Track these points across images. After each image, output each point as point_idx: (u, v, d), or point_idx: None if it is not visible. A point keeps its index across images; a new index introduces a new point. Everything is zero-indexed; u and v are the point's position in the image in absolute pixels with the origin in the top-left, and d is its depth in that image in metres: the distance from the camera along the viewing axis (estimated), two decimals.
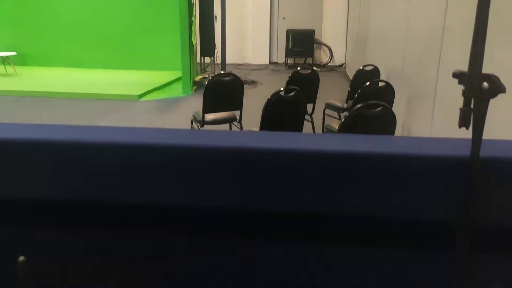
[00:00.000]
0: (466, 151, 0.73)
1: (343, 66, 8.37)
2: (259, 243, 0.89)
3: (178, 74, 6.65)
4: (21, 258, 0.68)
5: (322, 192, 0.83)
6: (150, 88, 6.22)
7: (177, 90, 6.35)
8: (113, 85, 6.43)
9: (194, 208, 0.83)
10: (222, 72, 3.85)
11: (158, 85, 6.47)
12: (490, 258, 0.90)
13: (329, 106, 3.84)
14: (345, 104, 3.70)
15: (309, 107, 3.50)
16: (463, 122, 0.69)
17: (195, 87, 6.47)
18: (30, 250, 0.78)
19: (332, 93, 5.22)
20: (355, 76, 3.77)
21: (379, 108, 2.25)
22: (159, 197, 0.85)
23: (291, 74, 3.69)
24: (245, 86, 3.77)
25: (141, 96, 5.92)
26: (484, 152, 0.72)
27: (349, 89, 3.70)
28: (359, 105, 2.26)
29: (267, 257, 0.89)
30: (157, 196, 0.85)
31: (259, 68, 8.56)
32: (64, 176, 0.81)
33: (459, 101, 0.74)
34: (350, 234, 0.90)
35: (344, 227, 0.88)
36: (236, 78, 3.47)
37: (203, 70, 7.39)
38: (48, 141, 0.74)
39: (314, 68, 3.92)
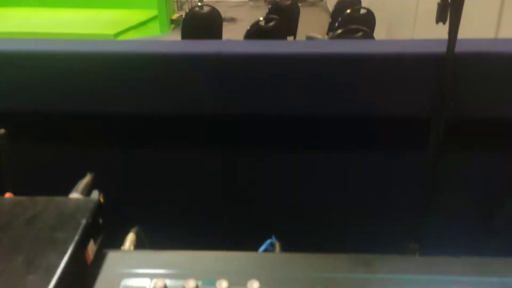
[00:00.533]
0: (442, 49, 0.74)
1: (324, 1, 8.19)
2: (243, 149, 0.91)
3: (154, 12, 6.42)
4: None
5: (304, 95, 0.85)
6: (125, 27, 6.02)
7: (154, 29, 6.16)
8: (86, 24, 6.18)
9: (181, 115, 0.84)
10: (199, 4, 3.73)
11: (133, 23, 6.26)
12: (465, 152, 0.94)
13: (309, 38, 3.80)
14: (326, 36, 3.65)
15: (290, 40, 3.45)
16: (440, 17, 0.70)
17: (172, 26, 6.28)
18: None
19: (312, 26, 5.13)
20: (336, 6, 3.70)
21: (359, 34, 2.23)
22: (147, 106, 0.86)
23: (271, 5, 3.61)
24: (224, 23, 3.68)
25: (116, 35, 5.72)
26: (459, 49, 0.73)
27: (330, 20, 3.65)
28: (339, 31, 2.24)
29: (252, 163, 0.92)
30: (144, 105, 0.85)
31: (238, 5, 8.32)
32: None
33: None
34: (330, 135, 0.92)
35: (324, 128, 0.91)
36: (214, 10, 3.37)
37: (180, 8, 7.15)
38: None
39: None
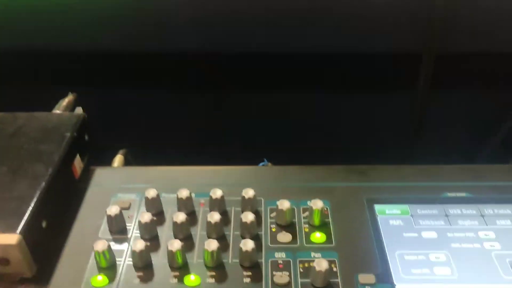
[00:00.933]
0: None
1: None
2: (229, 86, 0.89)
3: None
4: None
5: (291, 28, 0.82)
6: None
7: None
8: None
9: None
10: None
11: None
12: (452, 90, 0.94)
13: None
14: None
15: None
16: None
17: None
18: None
19: None
20: None
21: None
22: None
23: None
24: None
25: None
26: None
27: None
28: None
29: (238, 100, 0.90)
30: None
31: None
32: None
33: None
34: (315, 73, 0.91)
35: (308, 66, 0.89)
36: None
37: None
38: None
39: None
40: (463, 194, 0.57)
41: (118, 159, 0.71)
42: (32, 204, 0.48)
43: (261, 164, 0.76)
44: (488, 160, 1.04)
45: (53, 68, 0.88)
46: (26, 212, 0.47)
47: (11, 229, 0.45)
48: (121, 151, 0.73)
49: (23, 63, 0.88)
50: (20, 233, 0.45)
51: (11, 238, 0.45)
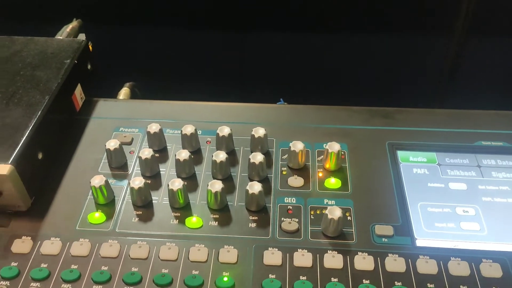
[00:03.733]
0: None
1: None
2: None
3: None
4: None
5: None
6: None
7: None
8: None
9: None
10: None
11: None
12: (490, 36, 0.85)
13: None
14: None
15: None
16: None
17: None
18: None
19: None
20: None
21: None
22: None
23: None
24: None
25: None
26: None
27: None
28: None
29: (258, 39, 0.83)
30: None
31: None
32: None
33: None
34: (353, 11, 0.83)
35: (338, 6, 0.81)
36: None
37: None
38: None
39: None
40: (499, 143, 0.51)
41: (124, 92, 0.66)
42: (26, 134, 0.45)
43: (277, 103, 0.71)
44: None
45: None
46: (20, 141, 0.44)
47: (3, 159, 0.42)
48: (127, 84, 0.68)
49: None
50: (12, 163, 0.42)
51: (3, 168, 0.42)
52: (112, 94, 0.69)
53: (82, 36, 0.61)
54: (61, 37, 0.62)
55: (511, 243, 0.42)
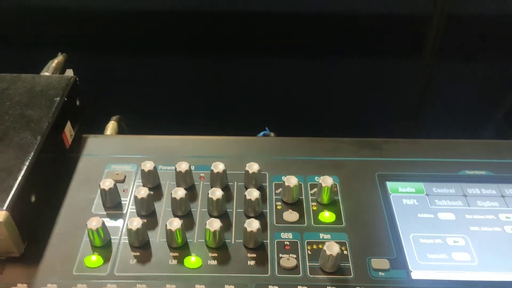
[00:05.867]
0: None
1: None
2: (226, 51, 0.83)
3: None
4: None
5: None
6: None
7: None
8: None
9: None
10: None
11: None
12: (459, 58, 0.89)
13: None
14: None
15: None
16: None
17: None
18: None
19: None
20: None
21: None
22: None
23: None
24: None
25: None
26: None
27: None
28: None
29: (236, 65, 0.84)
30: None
31: None
32: None
33: None
34: (321, 37, 0.85)
35: (314, 29, 0.83)
36: None
37: None
38: None
39: None
40: (483, 172, 0.53)
41: (111, 126, 0.66)
42: (20, 177, 0.44)
43: (262, 133, 0.72)
44: (491, 134, 1.01)
45: (40, 29, 0.82)
46: (14, 186, 0.43)
47: None
48: (114, 118, 0.68)
49: (9, 21, 0.81)
50: (7, 209, 0.41)
51: None
52: (95, 127, 0.69)
53: (69, 72, 0.60)
54: (47, 73, 0.62)
55: (501, 272, 0.44)
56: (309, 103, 0.91)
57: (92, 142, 0.58)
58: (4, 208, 0.42)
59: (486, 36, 0.89)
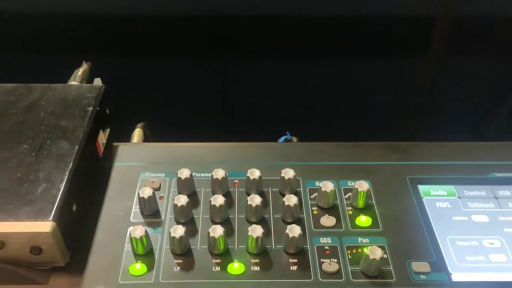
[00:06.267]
0: None
1: None
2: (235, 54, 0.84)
3: None
4: None
5: None
6: None
7: None
8: None
9: None
10: None
11: None
12: (467, 55, 0.90)
13: None
14: None
15: None
16: None
17: None
18: None
19: None
20: None
21: None
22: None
23: None
24: None
25: None
26: None
27: None
28: None
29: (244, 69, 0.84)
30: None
31: None
32: None
33: None
34: (327, 38, 0.86)
35: (320, 30, 0.84)
36: None
37: None
38: None
39: None
40: (511, 175, 0.54)
41: (137, 134, 0.66)
42: (62, 187, 0.44)
43: (283, 138, 0.72)
44: (495, 133, 1.03)
45: (60, 35, 0.82)
46: (58, 196, 0.44)
47: (44, 215, 0.42)
48: (139, 125, 0.68)
49: (29, 29, 0.82)
50: (53, 219, 0.42)
51: (45, 226, 0.41)
52: (117, 133, 0.69)
53: (98, 81, 0.60)
54: (75, 82, 0.62)
55: None
56: (324, 105, 0.92)
57: (123, 150, 0.58)
58: (51, 218, 0.42)
59: (492, 37, 0.91)
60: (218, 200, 0.48)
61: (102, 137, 0.57)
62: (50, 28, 0.81)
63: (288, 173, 0.51)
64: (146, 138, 0.69)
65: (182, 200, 0.48)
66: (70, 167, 0.47)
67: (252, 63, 0.91)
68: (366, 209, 0.51)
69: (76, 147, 0.49)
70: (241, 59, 0.91)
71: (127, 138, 0.68)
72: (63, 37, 0.80)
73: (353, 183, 0.52)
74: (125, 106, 0.74)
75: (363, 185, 0.50)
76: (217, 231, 0.45)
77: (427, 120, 1.01)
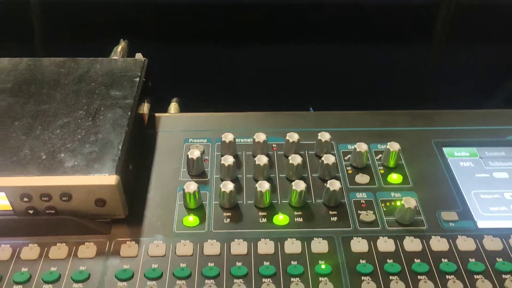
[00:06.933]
0: None
1: None
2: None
3: None
4: None
5: None
6: None
7: None
8: None
9: None
10: None
11: None
12: (467, 43, 0.94)
13: None
14: None
15: None
16: None
17: None
18: None
19: None
20: None
21: None
22: None
23: None
24: None
25: None
26: None
27: None
28: None
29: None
30: None
31: None
32: None
33: None
34: (335, 23, 0.90)
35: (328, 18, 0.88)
36: None
37: None
38: None
39: None
40: None
41: (173, 107, 0.70)
42: (121, 147, 0.48)
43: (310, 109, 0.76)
44: None
45: (96, 20, 0.85)
46: (118, 154, 0.48)
47: (109, 170, 0.46)
48: (174, 100, 0.72)
49: (70, 15, 0.85)
50: (117, 173, 0.46)
51: (110, 179, 0.45)
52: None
53: (139, 55, 0.64)
54: (116, 57, 0.66)
55: None
56: (338, 82, 0.96)
57: (165, 120, 0.62)
58: (114, 172, 0.46)
59: (494, 23, 0.94)
60: (263, 159, 0.52)
61: (147, 108, 0.60)
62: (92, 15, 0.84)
63: (324, 136, 0.55)
64: (181, 111, 0.73)
65: (229, 160, 0.52)
66: (126, 130, 0.51)
67: (271, 47, 0.95)
68: (397, 168, 0.55)
69: (129, 113, 0.53)
70: (263, 44, 0.95)
71: (163, 111, 0.72)
72: (101, 23, 0.84)
73: (383, 146, 0.56)
74: (159, 83, 0.78)
75: (394, 146, 0.54)
76: (264, 185, 0.49)
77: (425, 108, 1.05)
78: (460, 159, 0.56)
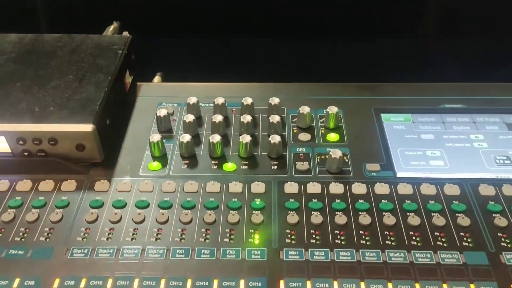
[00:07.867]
0: None
1: None
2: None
3: None
4: None
5: None
6: None
7: None
8: None
9: None
10: None
11: None
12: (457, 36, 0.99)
13: None
14: None
15: None
16: None
17: None
18: None
19: None
20: None
21: None
22: None
23: None
24: None
25: None
26: None
27: None
28: None
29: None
30: None
31: None
32: None
33: None
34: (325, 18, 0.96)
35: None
36: None
37: None
38: None
39: None
40: (459, 106, 0.66)
41: (157, 79, 0.80)
42: (99, 103, 0.59)
43: None
44: None
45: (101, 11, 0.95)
46: (96, 108, 0.58)
47: (86, 120, 0.56)
48: (158, 74, 0.82)
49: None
50: (93, 123, 0.56)
51: (87, 127, 0.56)
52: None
53: (126, 33, 0.74)
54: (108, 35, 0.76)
55: (467, 173, 0.57)
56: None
57: (145, 88, 0.72)
58: (91, 122, 0.56)
59: (484, 14, 0.99)
60: (218, 117, 0.61)
61: (128, 76, 0.71)
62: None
63: (274, 100, 0.64)
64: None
65: (190, 117, 0.62)
66: (105, 91, 0.61)
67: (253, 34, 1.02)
68: (336, 129, 0.63)
69: (110, 77, 0.63)
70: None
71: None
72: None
73: (327, 110, 0.64)
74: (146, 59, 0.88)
75: (333, 109, 0.62)
76: (216, 138, 0.58)
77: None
78: (394, 123, 0.64)
